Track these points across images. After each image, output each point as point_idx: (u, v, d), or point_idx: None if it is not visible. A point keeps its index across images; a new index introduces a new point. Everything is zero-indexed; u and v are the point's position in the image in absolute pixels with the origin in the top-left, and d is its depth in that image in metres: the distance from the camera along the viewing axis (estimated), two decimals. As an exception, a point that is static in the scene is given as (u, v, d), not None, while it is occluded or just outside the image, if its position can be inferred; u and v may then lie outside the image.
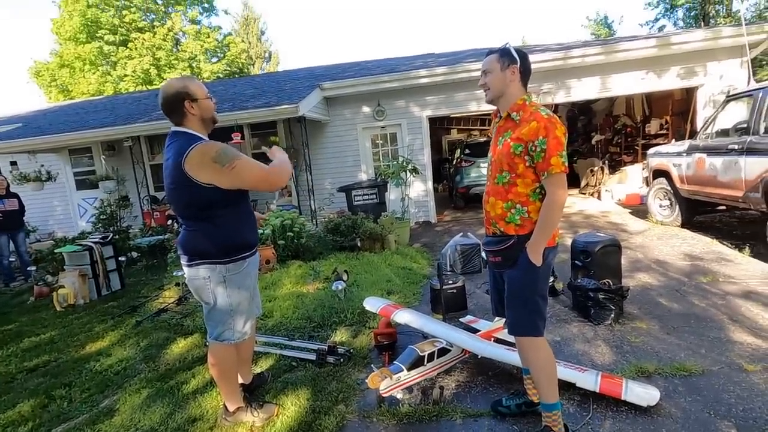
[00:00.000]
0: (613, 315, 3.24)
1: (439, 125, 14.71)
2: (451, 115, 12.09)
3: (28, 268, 6.45)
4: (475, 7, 60.33)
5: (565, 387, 2.29)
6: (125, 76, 19.89)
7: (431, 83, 8.25)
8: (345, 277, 4.21)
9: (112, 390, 2.91)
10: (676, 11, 22.42)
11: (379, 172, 8.30)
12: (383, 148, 8.94)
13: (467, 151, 10.27)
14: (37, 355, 3.63)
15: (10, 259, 6.70)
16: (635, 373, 2.54)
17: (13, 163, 8.62)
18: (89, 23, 19.81)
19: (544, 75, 7.89)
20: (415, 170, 7.17)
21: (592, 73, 7.99)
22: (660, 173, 6.27)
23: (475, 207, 9.77)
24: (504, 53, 1.93)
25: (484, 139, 11.47)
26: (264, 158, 2.29)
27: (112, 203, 8.66)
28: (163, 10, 22.10)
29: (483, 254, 4.76)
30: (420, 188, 8.70)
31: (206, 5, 23.62)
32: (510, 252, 1.94)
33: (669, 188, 6.09)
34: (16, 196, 6.64)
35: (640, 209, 7.52)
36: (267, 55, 28.88)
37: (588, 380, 2.31)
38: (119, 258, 5.76)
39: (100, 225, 8.06)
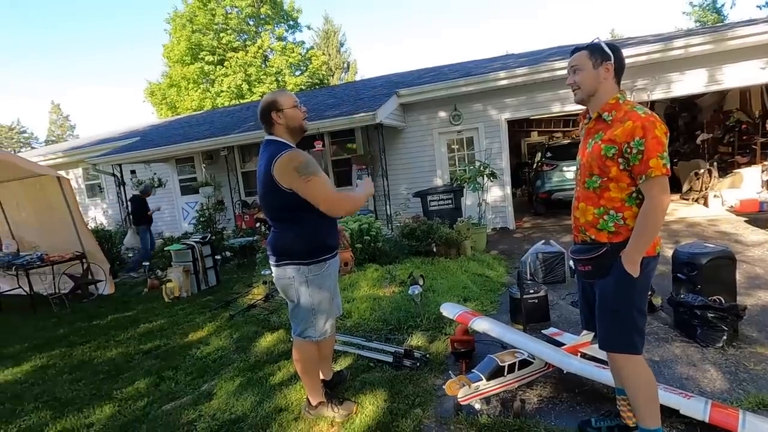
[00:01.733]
0: (725, 337, 2.86)
1: (517, 128, 14.15)
2: (531, 117, 11.54)
3: (144, 263, 7.39)
4: (555, 2, 57.19)
5: (666, 413, 2.06)
6: (221, 91, 22.07)
7: (510, 85, 7.97)
8: (421, 282, 4.21)
9: (210, 376, 3.22)
10: (807, -13, 19.24)
11: (455, 177, 8.21)
12: (459, 152, 8.82)
13: (549, 154, 9.73)
14: (150, 340, 4.15)
15: (129, 255, 7.73)
16: (755, 405, 2.21)
17: (133, 172, 9.96)
18: (193, 47, 22.38)
19: (638, 70, 7.23)
20: (492, 175, 6.98)
21: (697, 65, 7.15)
22: (786, 176, 5.41)
23: (557, 213, 9.22)
24: (595, 49, 1.82)
25: (568, 141, 10.78)
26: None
27: (209, 207, 9.60)
28: (254, 30, 24.16)
29: (571, 263, 4.49)
30: (497, 193, 8.44)
31: (291, 23, 25.34)
32: (602, 261, 1.81)
33: (798, 193, 5.23)
34: None
35: (758, 217, 6.55)
36: (345, 65, 30.12)
37: (695, 408, 2.06)
38: (215, 257, 6.37)
39: (200, 226, 8.97)
